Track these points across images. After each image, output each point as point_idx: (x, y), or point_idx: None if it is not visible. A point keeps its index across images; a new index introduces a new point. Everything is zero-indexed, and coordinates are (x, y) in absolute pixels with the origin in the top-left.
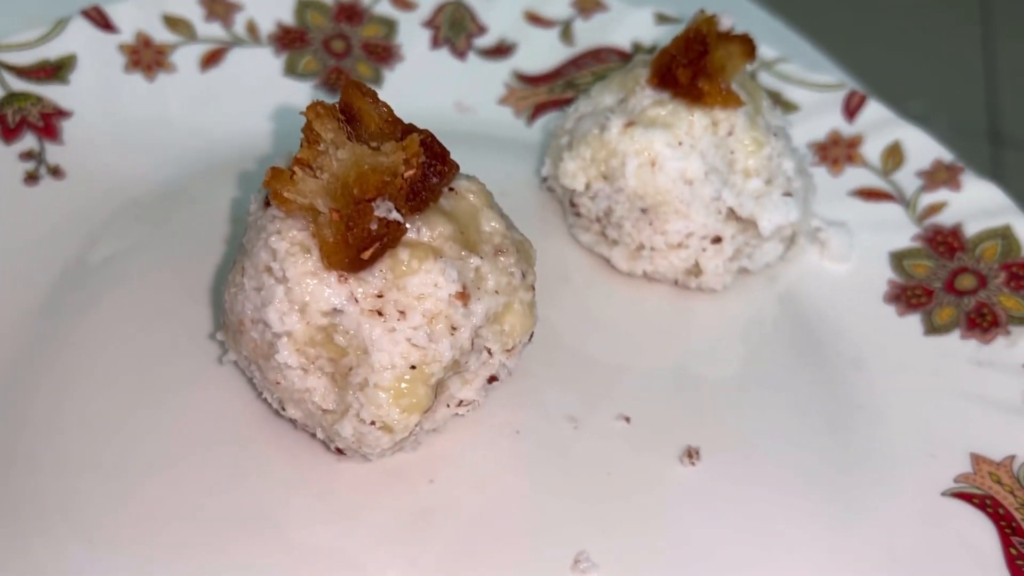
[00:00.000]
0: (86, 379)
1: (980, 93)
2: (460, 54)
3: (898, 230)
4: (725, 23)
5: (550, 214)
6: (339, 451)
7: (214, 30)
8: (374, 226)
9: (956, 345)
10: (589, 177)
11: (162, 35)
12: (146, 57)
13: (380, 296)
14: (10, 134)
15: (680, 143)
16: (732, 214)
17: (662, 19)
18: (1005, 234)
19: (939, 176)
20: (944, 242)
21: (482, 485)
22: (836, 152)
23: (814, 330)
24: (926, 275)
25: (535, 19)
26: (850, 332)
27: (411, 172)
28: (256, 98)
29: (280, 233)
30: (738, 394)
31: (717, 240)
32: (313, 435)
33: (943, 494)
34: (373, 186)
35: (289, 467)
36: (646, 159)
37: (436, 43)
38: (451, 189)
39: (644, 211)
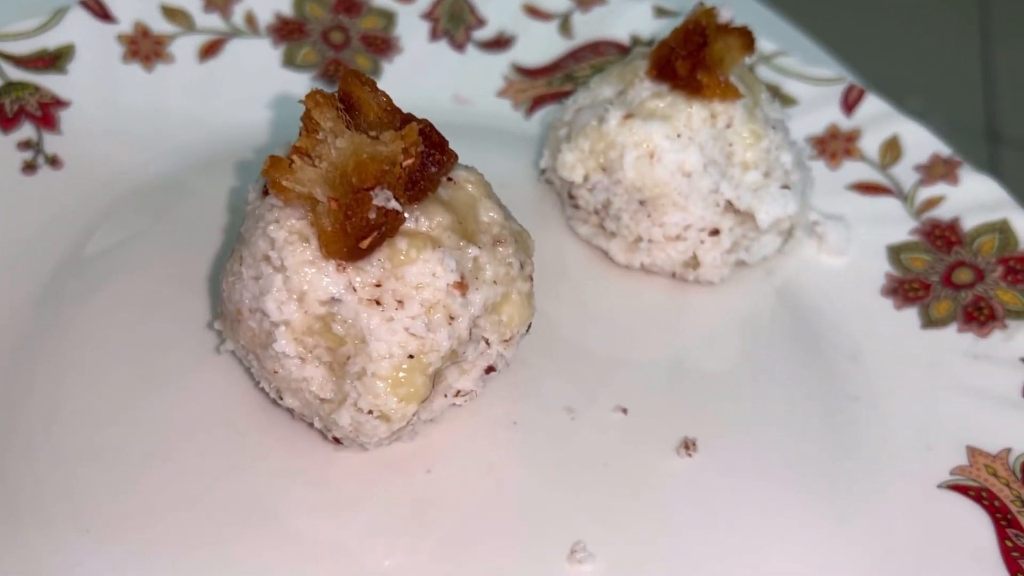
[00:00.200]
0: (84, 369)
1: (977, 91)
2: (459, 46)
3: (896, 224)
4: (724, 15)
5: (548, 206)
6: (336, 440)
7: (213, 21)
8: (372, 215)
9: (953, 338)
10: (587, 169)
11: (160, 25)
12: (144, 47)
13: (378, 285)
14: (8, 123)
15: (679, 135)
16: (730, 207)
17: (661, 12)
18: (1002, 228)
19: (937, 170)
20: (942, 236)
21: (479, 475)
22: (834, 146)
23: (811, 323)
24: (923, 269)
25: (534, 12)
26: (847, 325)
27: (410, 161)
28: (254, 89)
29: (278, 222)
30: (735, 386)
31: (715, 232)
32: (310, 424)
33: (939, 486)
34: (372, 175)
35: (286, 456)
36: (644, 151)
37: (435, 35)
38: (449, 179)
39: (642, 203)
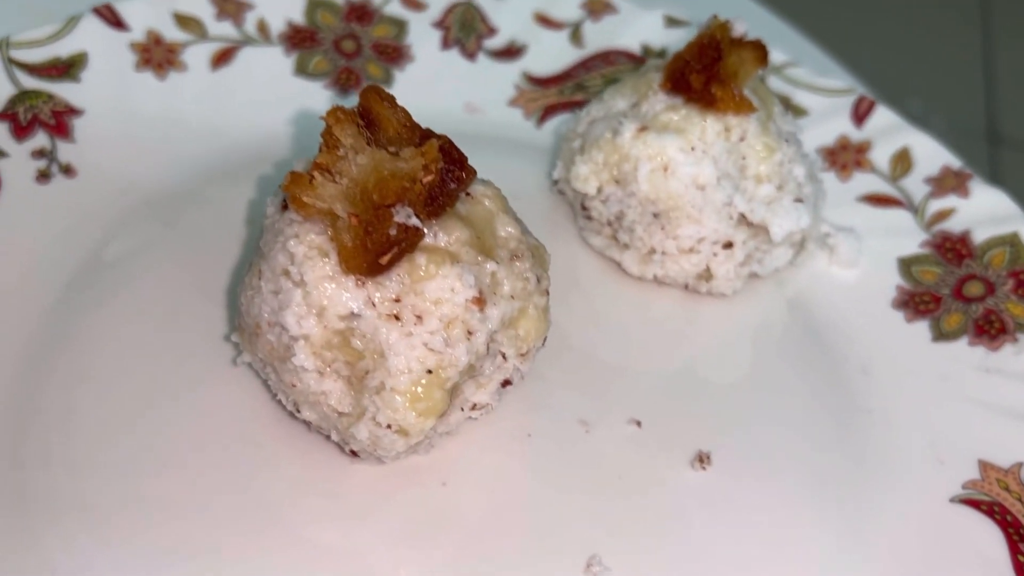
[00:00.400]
0: (100, 378)
1: (979, 93)
2: (470, 55)
3: (906, 236)
4: (738, 29)
5: (561, 217)
6: (353, 453)
7: (225, 29)
8: (393, 231)
9: (964, 352)
10: (601, 181)
11: (173, 33)
12: (157, 55)
13: (397, 300)
14: (22, 132)
15: (692, 148)
16: (743, 219)
17: (671, 22)
18: (1013, 241)
19: (947, 182)
20: (952, 249)
21: (494, 488)
22: (845, 157)
23: (823, 335)
24: (934, 281)
25: (545, 20)
26: (858, 338)
27: (430, 178)
28: (266, 97)
29: (298, 237)
30: (748, 399)
31: (728, 245)
32: (327, 437)
33: (951, 500)
34: (393, 192)
35: (302, 468)
36: (659, 164)
37: (446, 44)
38: (467, 194)
39: (656, 216)
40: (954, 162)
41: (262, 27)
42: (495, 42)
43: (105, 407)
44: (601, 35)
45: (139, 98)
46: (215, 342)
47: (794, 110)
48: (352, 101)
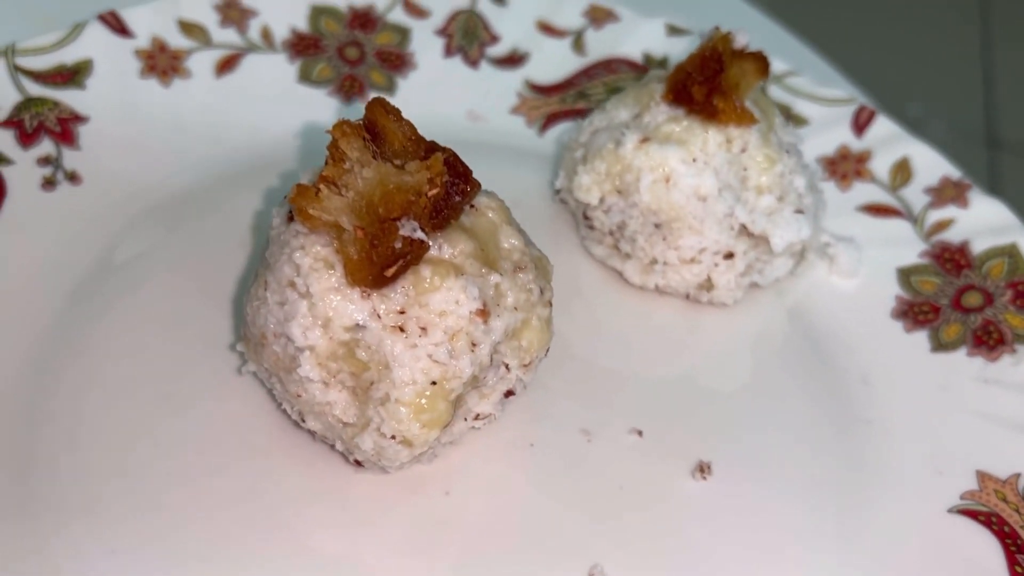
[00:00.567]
0: (105, 385)
1: (978, 96)
2: (473, 63)
3: (906, 246)
4: (740, 41)
5: (563, 225)
6: (358, 463)
7: (229, 36)
8: (398, 244)
9: (963, 362)
10: (603, 191)
11: (177, 40)
12: (162, 62)
13: (402, 312)
14: (28, 139)
15: (694, 160)
16: (744, 230)
17: (673, 30)
18: (1012, 252)
19: (947, 193)
20: (951, 259)
21: (497, 498)
22: (845, 167)
23: (823, 345)
24: (933, 292)
25: (547, 28)
26: (858, 348)
27: (435, 191)
28: (270, 104)
29: (304, 248)
30: (748, 408)
31: (729, 256)
32: (332, 446)
33: (949, 511)
34: (398, 205)
35: (306, 477)
36: (660, 175)
37: (449, 51)
38: (471, 206)
39: (658, 226)
40: (953, 172)
41: (266, 34)
42: (497, 50)
43: (110, 414)
44: (603, 43)
45: (144, 105)
46: (220, 351)
47: (794, 119)
48: (356, 108)
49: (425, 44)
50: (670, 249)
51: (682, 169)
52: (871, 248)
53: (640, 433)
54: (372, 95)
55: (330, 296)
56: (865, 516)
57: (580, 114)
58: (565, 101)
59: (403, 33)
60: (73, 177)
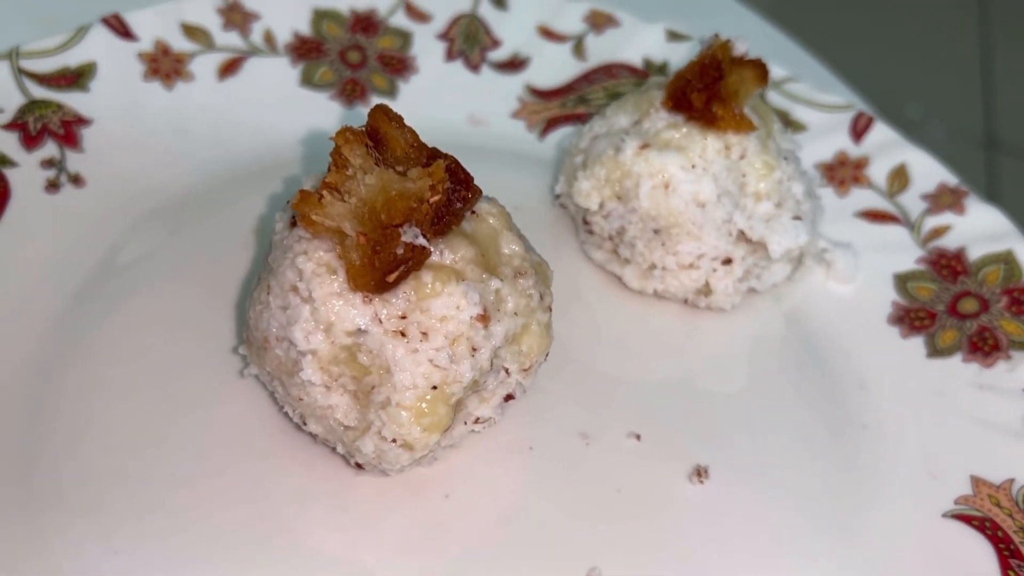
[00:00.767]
0: (108, 387)
1: (977, 99)
2: (474, 67)
3: (902, 252)
4: (740, 48)
5: (562, 229)
6: (358, 466)
7: (231, 39)
8: (400, 250)
9: (958, 368)
10: (603, 197)
11: (180, 43)
12: (165, 65)
13: (403, 317)
14: (32, 142)
15: (693, 166)
16: (742, 236)
17: (673, 36)
18: (1007, 259)
19: (944, 199)
20: (947, 265)
21: (496, 501)
22: (843, 173)
23: (819, 350)
24: (929, 298)
25: (548, 33)
26: (854, 353)
27: (437, 198)
28: (273, 108)
29: (307, 254)
30: (745, 412)
31: (728, 261)
32: (333, 450)
33: (944, 515)
34: (401, 212)
35: (307, 479)
36: (660, 181)
37: (450, 56)
38: (472, 212)
39: (657, 232)
40: (951, 179)
41: (268, 37)
42: (499, 54)
43: (113, 416)
44: (603, 48)
45: (147, 108)
46: (222, 353)
47: (793, 125)
48: (357, 112)
49: (427, 48)
50: (669, 254)
51: (681, 175)
52: (868, 254)
53: (638, 437)
54: (374, 99)
55: (332, 301)
56: (860, 520)
57: (580, 119)
58: (565, 106)
59: (405, 37)
60: (76, 180)
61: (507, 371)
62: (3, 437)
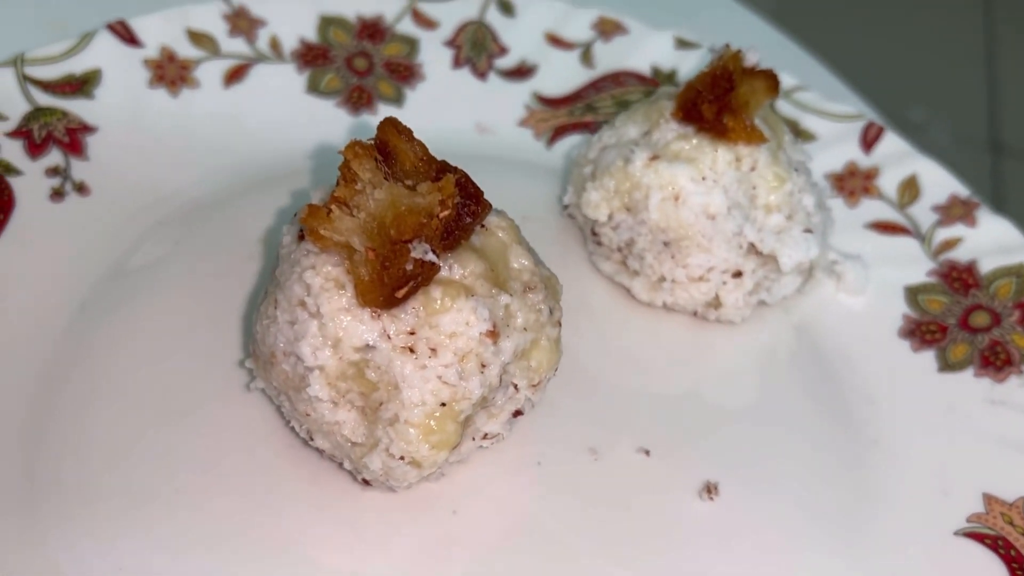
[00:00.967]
0: (112, 400)
1: (982, 102)
2: (481, 74)
3: (913, 264)
4: (751, 59)
5: (570, 239)
6: (365, 482)
7: (238, 45)
8: (409, 266)
9: (970, 383)
10: (612, 208)
11: (186, 50)
12: (170, 72)
13: (412, 333)
14: (36, 149)
15: (704, 178)
16: (753, 249)
17: (682, 43)
18: (1020, 272)
19: (955, 211)
20: (959, 278)
21: (504, 516)
22: (853, 184)
23: (830, 364)
24: (941, 311)
25: (556, 40)
26: (865, 367)
27: (446, 213)
28: (279, 115)
29: (315, 268)
30: (755, 428)
31: (738, 274)
32: (340, 465)
33: (956, 533)
34: (410, 227)
35: (314, 494)
36: (670, 193)
37: (457, 63)
38: (482, 226)
39: (666, 244)
40: (962, 190)
41: (275, 44)
42: (506, 61)
43: (117, 428)
44: (611, 56)
45: (152, 115)
46: (229, 366)
47: (802, 135)
48: (364, 120)
49: (434, 55)
50: (678, 267)
51: (691, 187)
52: (879, 266)
53: (647, 452)
54: (380, 106)
55: (340, 316)
56: (871, 538)
57: (588, 127)
58: (573, 114)
59: (412, 44)
60: (81, 188)
61: (516, 387)
62: (6, 448)
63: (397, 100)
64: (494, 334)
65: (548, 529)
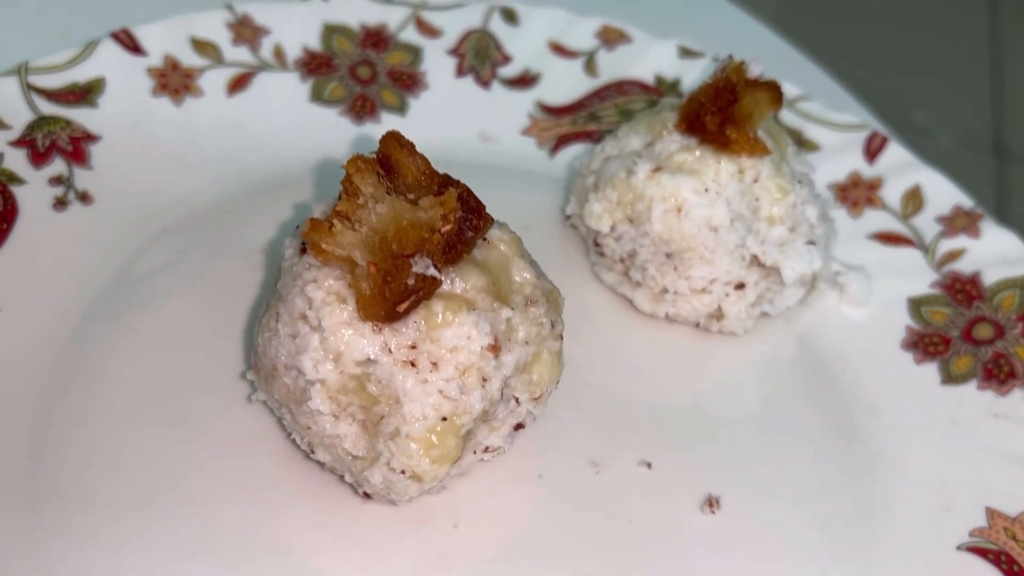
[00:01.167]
0: (113, 410)
1: (986, 106)
2: (484, 83)
3: (917, 276)
4: (754, 70)
5: (573, 249)
6: (366, 495)
7: (241, 54)
8: (411, 280)
9: (973, 396)
10: (614, 219)
11: (190, 58)
12: (174, 81)
13: (413, 347)
14: (40, 158)
15: (706, 190)
16: (755, 261)
17: (685, 52)
18: (1023, 284)
19: (958, 222)
20: (962, 290)
21: (505, 530)
22: (856, 194)
23: (832, 376)
24: (944, 323)
25: (559, 49)
26: (867, 379)
27: (448, 227)
28: (282, 124)
29: (316, 282)
30: (757, 440)
31: (740, 286)
32: (340, 478)
33: (958, 548)
34: (412, 242)
35: (315, 507)
36: (672, 205)
37: (461, 71)
38: (484, 239)
39: (669, 256)
40: (966, 201)
41: (278, 52)
42: (509, 70)
43: (119, 437)
44: (615, 65)
45: (156, 124)
46: (230, 378)
47: (806, 145)
48: (367, 129)
49: (437, 64)
50: (681, 279)
51: (694, 199)
52: (882, 277)
53: (649, 465)
54: (383, 115)
55: (342, 330)
56: (873, 552)
57: (591, 136)
58: (576, 123)
59: (415, 52)
60: (84, 197)
61: (517, 400)
62: (9, 456)
63: (400, 109)
64: (495, 348)
65: (549, 542)
